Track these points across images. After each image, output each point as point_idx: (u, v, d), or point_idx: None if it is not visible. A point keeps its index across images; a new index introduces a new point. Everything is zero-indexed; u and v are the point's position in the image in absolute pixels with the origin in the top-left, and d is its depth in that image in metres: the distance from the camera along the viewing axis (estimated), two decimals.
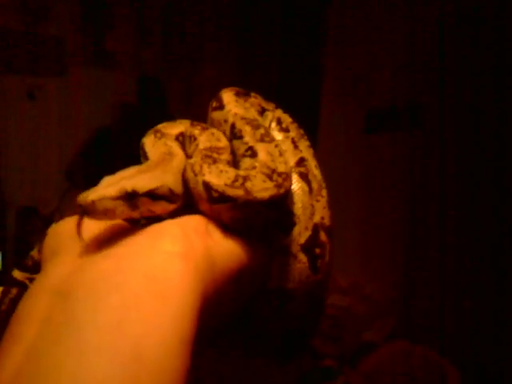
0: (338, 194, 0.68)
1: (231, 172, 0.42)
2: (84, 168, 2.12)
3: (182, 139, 0.48)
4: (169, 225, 0.38)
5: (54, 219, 0.44)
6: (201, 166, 0.42)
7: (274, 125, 0.53)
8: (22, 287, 0.49)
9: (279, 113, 0.54)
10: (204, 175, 0.41)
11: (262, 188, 0.41)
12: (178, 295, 0.34)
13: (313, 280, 0.46)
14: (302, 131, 0.54)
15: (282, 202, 0.44)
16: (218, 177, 0.41)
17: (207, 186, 0.41)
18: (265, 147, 0.46)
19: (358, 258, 2.01)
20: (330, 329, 2.18)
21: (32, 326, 0.34)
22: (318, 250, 0.46)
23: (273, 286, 0.46)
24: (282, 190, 0.42)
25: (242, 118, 0.49)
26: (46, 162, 2.18)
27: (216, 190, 0.41)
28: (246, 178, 0.42)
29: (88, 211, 0.37)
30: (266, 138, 0.47)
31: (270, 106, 0.54)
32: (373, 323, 2.00)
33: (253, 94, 0.54)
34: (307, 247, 0.46)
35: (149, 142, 0.47)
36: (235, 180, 0.41)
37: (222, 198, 0.41)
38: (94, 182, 0.39)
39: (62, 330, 0.32)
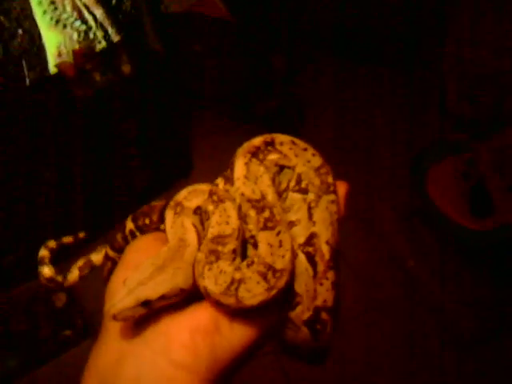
0: None
1: (229, 274, 0.45)
2: None
3: (200, 212, 0.50)
4: (179, 330, 0.45)
5: None
6: (203, 268, 0.46)
7: (292, 184, 0.50)
8: (114, 262, 0.61)
9: (301, 165, 0.50)
10: (204, 279, 0.45)
11: (252, 295, 0.44)
12: None
13: (314, 345, 0.52)
14: (328, 179, 0.50)
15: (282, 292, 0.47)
16: (215, 283, 0.45)
17: (206, 290, 0.45)
18: (266, 237, 0.46)
19: None
20: (468, 87, 2.03)
21: None
22: (319, 326, 0.50)
23: (276, 339, 0.53)
24: (272, 293, 0.45)
25: (248, 201, 0.47)
26: None
27: (212, 297, 0.45)
28: (240, 282, 0.45)
29: (113, 319, 0.45)
30: (270, 223, 0.47)
31: (292, 160, 0.50)
32: None
33: (278, 145, 0.50)
34: (309, 323, 0.50)
35: (169, 220, 0.49)
36: (231, 284, 0.45)
37: (218, 303, 0.45)
38: None
39: None
